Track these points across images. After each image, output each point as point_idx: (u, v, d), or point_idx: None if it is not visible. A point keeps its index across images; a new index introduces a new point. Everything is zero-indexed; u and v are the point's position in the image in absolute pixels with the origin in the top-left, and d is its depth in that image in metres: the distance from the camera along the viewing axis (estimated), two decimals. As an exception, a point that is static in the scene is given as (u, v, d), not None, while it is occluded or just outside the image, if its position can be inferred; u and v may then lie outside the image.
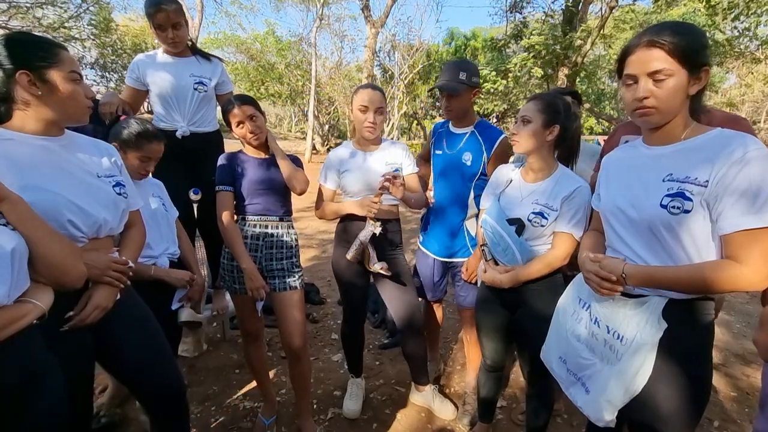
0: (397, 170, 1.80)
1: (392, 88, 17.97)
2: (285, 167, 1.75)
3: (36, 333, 0.91)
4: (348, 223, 1.89)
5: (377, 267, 1.72)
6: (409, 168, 1.89)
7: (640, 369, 1.03)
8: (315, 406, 2.13)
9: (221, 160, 1.78)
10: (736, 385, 2.42)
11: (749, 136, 0.94)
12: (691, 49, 0.95)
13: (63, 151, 1.11)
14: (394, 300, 1.90)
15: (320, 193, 1.95)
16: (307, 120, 17.24)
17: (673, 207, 0.97)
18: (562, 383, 1.29)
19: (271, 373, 2.30)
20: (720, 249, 0.96)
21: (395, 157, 1.87)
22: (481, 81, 11.25)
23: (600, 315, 1.15)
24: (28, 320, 0.86)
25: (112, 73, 17.26)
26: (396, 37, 18.08)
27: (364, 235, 1.71)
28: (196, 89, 2.21)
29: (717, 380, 2.47)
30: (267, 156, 1.81)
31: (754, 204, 0.89)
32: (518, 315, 1.57)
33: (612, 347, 1.10)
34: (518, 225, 1.50)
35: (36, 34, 1.16)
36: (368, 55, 15.72)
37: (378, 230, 1.69)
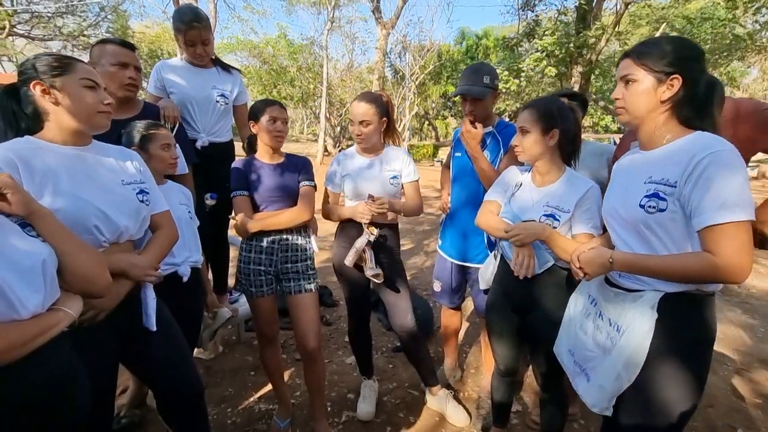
0: (394, 177, 1.87)
1: (403, 89, 17.98)
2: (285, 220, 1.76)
3: (65, 337, 0.94)
4: (347, 224, 1.93)
5: (369, 273, 1.76)
6: (408, 176, 1.91)
7: (633, 358, 1.09)
8: (329, 408, 2.14)
9: (235, 166, 1.81)
10: (761, 392, 2.35)
11: (718, 139, 1.00)
12: (656, 56, 1.06)
13: (90, 159, 1.17)
14: (390, 306, 1.93)
15: (326, 194, 1.99)
16: (318, 122, 17.36)
17: (650, 206, 1.06)
18: (570, 374, 1.35)
19: (286, 375, 2.32)
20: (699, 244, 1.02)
21: (396, 164, 1.89)
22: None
23: (604, 308, 1.22)
24: (61, 327, 0.89)
25: (129, 79, 17.65)
26: (407, 38, 18.09)
27: (360, 242, 1.76)
28: (218, 102, 2.28)
29: (741, 386, 2.40)
30: (280, 162, 1.83)
31: (717, 201, 0.94)
32: (529, 319, 1.56)
33: (612, 339, 1.17)
34: None
35: (54, 52, 1.22)
36: (379, 56, 15.76)
37: (373, 237, 1.74)
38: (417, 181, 1.94)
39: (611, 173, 1.31)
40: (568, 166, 1.54)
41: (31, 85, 1.07)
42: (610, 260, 1.13)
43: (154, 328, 1.26)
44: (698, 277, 1.00)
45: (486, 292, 1.88)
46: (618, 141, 1.94)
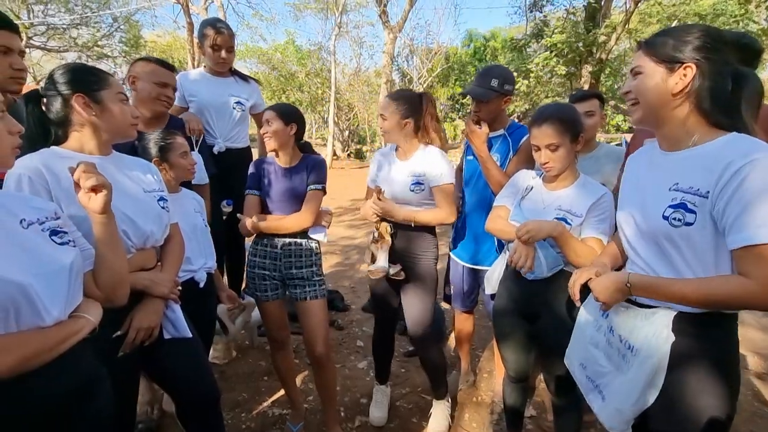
0: (417, 183, 1.78)
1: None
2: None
3: (87, 344, 0.96)
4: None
5: (369, 268, 1.77)
6: (437, 179, 1.75)
7: (650, 381, 1.01)
8: (342, 414, 2.15)
9: (251, 167, 1.87)
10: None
11: (758, 143, 0.88)
12: (667, 45, 0.97)
13: (114, 168, 1.21)
14: (408, 306, 1.89)
15: (367, 192, 1.99)
16: (327, 126, 17.46)
17: (675, 219, 0.94)
18: (583, 389, 1.29)
19: (299, 380, 2.33)
20: (731, 264, 0.91)
21: (422, 167, 1.78)
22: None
23: (615, 324, 1.14)
24: (83, 334, 0.90)
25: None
26: (414, 42, 18.12)
27: (369, 237, 1.78)
28: (234, 108, 2.35)
29: (764, 390, 2.34)
30: (292, 165, 1.84)
31: (759, 217, 0.83)
32: (538, 326, 1.54)
33: (624, 357, 1.10)
34: None
35: (85, 64, 1.28)
36: (386, 60, 15.79)
37: (378, 233, 1.75)
38: (446, 185, 1.76)
39: (624, 171, 1.23)
40: (587, 175, 1.53)
41: (74, 98, 1.10)
42: (628, 285, 1.02)
43: (190, 335, 1.31)
44: (729, 304, 0.90)
45: (492, 296, 1.87)
46: (629, 140, 1.92)
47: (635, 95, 1.03)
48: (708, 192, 0.90)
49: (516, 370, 1.68)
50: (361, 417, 2.12)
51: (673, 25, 12.08)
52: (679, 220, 0.94)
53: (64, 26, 16.25)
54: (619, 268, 1.23)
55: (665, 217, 0.96)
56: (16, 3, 14.40)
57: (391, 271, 1.78)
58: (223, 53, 2.27)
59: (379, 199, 1.77)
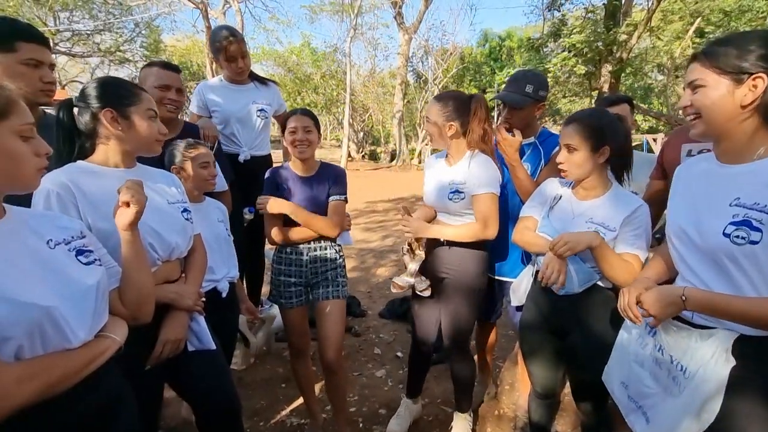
0: (456, 191, 1.68)
1: (426, 93, 17.92)
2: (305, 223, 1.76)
3: (113, 362, 0.96)
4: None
5: (396, 279, 1.75)
6: (476, 187, 1.63)
7: (705, 406, 0.95)
8: (360, 425, 2.12)
9: (267, 175, 1.85)
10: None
11: None
12: (731, 55, 0.91)
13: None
14: (444, 317, 1.83)
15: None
16: (342, 128, 17.54)
17: (737, 237, 0.89)
18: (623, 409, 1.23)
19: (317, 388, 2.31)
20: None
21: (464, 175, 1.66)
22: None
23: (665, 343, 1.08)
24: (109, 354, 0.90)
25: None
26: (429, 42, 18.06)
27: (403, 248, 1.76)
28: (258, 116, 2.35)
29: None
30: (311, 174, 1.83)
31: None
32: (569, 342, 1.48)
33: (675, 379, 1.04)
34: None
35: (120, 77, 1.29)
36: (401, 61, 15.80)
37: (408, 246, 1.73)
38: (486, 194, 1.63)
39: (672, 182, 1.16)
40: (619, 182, 1.45)
41: (103, 113, 1.11)
42: (683, 298, 0.96)
43: (214, 347, 1.31)
44: None
45: (518, 308, 1.81)
46: (650, 141, 1.83)
47: (697, 109, 0.98)
48: None
49: (543, 386, 1.62)
50: (379, 428, 2.09)
51: (696, 22, 11.76)
52: (743, 238, 0.89)
53: (88, 32, 16.75)
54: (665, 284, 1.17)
55: (726, 234, 0.91)
56: (44, 10, 14.89)
57: (417, 287, 1.74)
58: (239, 62, 2.26)
59: (408, 216, 1.73)
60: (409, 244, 1.76)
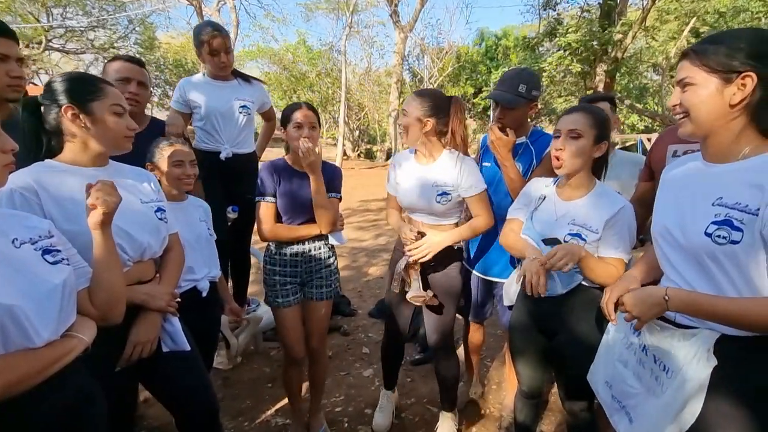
0: (443, 193, 1.68)
1: (422, 91, 17.81)
2: (320, 203, 1.71)
3: (80, 362, 0.94)
4: (398, 242, 1.85)
5: (409, 296, 1.70)
6: (468, 190, 1.68)
7: (687, 407, 0.95)
8: (346, 424, 2.11)
9: (263, 170, 1.78)
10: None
11: None
12: (720, 53, 0.90)
13: (111, 179, 1.16)
14: (429, 316, 1.83)
15: (388, 197, 1.94)
16: (337, 126, 17.49)
17: (719, 236, 0.89)
18: (607, 409, 1.23)
19: (304, 388, 2.29)
20: None
21: (450, 177, 1.68)
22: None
23: (648, 343, 1.08)
24: (75, 354, 0.88)
25: (155, 88, 18.32)
26: (425, 41, 18.03)
27: (400, 265, 1.71)
28: (241, 113, 2.31)
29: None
30: None
31: None
32: (556, 342, 1.47)
33: (658, 378, 1.04)
34: (555, 245, 1.41)
35: (85, 73, 1.25)
36: (397, 60, 15.76)
37: (409, 261, 1.67)
38: (483, 192, 1.70)
39: (659, 182, 1.15)
40: (597, 179, 1.44)
41: (63, 110, 1.08)
42: (666, 298, 0.95)
43: (188, 348, 1.28)
44: None
45: (510, 308, 1.80)
46: (645, 140, 1.83)
47: (686, 108, 0.96)
48: (758, 209, 0.84)
49: (530, 386, 1.62)
50: (364, 428, 2.08)
51: (692, 22, 11.80)
52: (724, 237, 0.88)
53: (82, 28, 16.59)
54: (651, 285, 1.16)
55: (708, 234, 0.90)
56: (36, 6, 14.73)
57: (427, 299, 1.70)
58: (222, 56, 2.22)
59: (419, 235, 1.68)
60: (408, 265, 1.72)
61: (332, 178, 1.80)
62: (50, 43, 15.93)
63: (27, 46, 15.52)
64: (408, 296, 1.70)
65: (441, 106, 1.67)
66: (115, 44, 17.34)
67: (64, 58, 17.37)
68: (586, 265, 1.30)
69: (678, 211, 1.01)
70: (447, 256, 1.75)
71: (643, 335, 1.10)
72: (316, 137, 1.72)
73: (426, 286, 1.74)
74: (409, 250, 1.66)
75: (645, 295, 1.01)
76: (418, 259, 1.66)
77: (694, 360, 0.94)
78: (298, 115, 1.70)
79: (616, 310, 1.12)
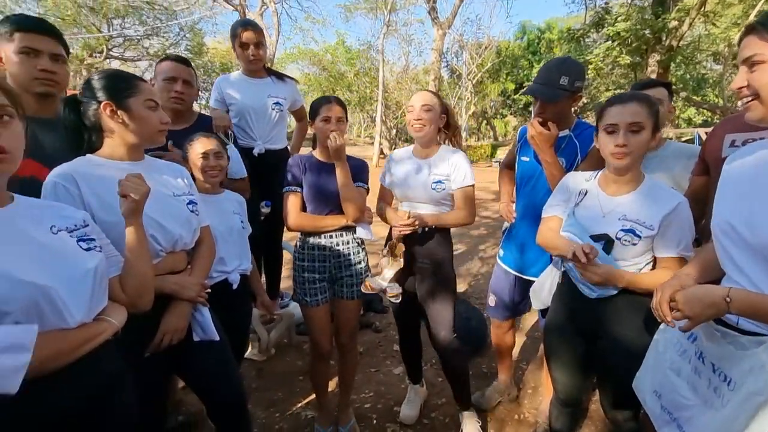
0: (438, 182, 1.75)
1: (460, 88, 17.61)
2: (345, 187, 1.71)
3: (112, 345, 0.98)
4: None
5: (368, 281, 1.75)
6: (456, 182, 1.75)
7: (753, 424, 0.86)
8: (374, 421, 2.09)
9: (290, 162, 1.79)
10: None
11: None
12: None
13: (145, 173, 1.21)
14: (432, 312, 1.82)
15: (380, 191, 1.94)
16: (375, 125, 17.58)
17: None
18: (655, 420, 1.13)
19: (332, 384, 2.31)
20: None
21: (446, 168, 1.75)
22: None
23: (706, 350, 0.98)
24: (105, 337, 0.93)
25: (203, 92, 19.29)
26: (464, 37, 17.70)
27: (384, 250, 1.77)
28: (273, 109, 2.36)
29: None
30: (332, 161, 1.80)
31: None
32: (599, 346, 1.37)
33: (717, 390, 0.94)
34: (606, 242, 1.30)
35: (120, 70, 1.30)
36: (435, 57, 15.58)
37: (389, 249, 1.74)
38: (468, 187, 1.76)
39: (721, 174, 1.05)
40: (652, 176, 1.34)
41: (102, 106, 1.14)
42: (727, 299, 0.86)
43: (218, 338, 1.32)
44: None
45: (542, 312, 1.71)
46: (703, 135, 1.67)
47: (755, 89, 0.88)
48: None
49: (566, 393, 1.52)
50: (392, 425, 2.05)
51: (759, 4, 10.74)
52: None
53: (138, 37, 17.79)
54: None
55: None
56: (98, 17, 15.95)
57: (389, 291, 1.71)
58: (252, 49, 2.26)
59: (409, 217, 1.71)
60: (391, 246, 1.74)
61: (359, 170, 1.80)
62: (110, 52, 17.22)
63: (90, 55, 16.87)
64: (364, 281, 1.77)
65: (444, 105, 1.80)
66: (168, 51, 18.44)
67: (123, 66, 18.71)
68: (635, 285, 1.24)
69: (745, 204, 0.91)
70: (444, 247, 1.82)
71: (700, 341, 1.00)
72: (343, 130, 1.74)
73: (401, 282, 1.79)
74: (399, 225, 1.70)
75: (702, 293, 0.91)
76: (406, 226, 1.69)
77: (762, 372, 0.84)
78: (325, 109, 1.71)
79: (671, 310, 1.01)
